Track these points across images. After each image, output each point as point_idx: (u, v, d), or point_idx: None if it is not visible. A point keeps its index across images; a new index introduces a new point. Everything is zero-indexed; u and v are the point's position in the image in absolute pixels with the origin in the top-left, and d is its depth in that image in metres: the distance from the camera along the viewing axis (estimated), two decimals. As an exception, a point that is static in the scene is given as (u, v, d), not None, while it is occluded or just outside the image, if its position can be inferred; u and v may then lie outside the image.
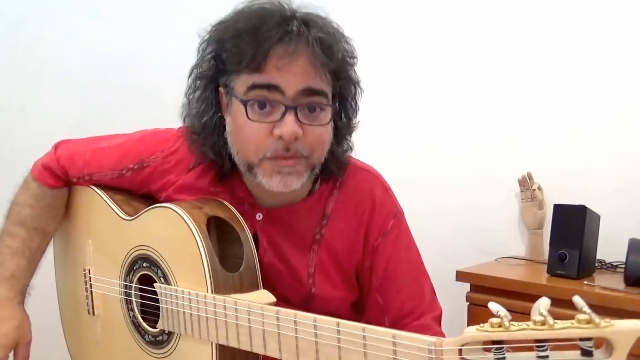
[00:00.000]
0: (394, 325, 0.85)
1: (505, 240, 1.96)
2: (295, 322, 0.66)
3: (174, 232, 0.83)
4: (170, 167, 0.91)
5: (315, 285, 0.87)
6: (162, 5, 2.03)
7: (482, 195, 2.01)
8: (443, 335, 0.68)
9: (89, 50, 1.83)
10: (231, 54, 0.76)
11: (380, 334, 0.59)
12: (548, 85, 1.89)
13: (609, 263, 1.69)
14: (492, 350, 0.53)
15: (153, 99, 1.89)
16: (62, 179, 0.99)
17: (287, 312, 0.68)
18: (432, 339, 0.55)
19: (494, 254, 1.90)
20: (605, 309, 1.32)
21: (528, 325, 0.53)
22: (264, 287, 0.85)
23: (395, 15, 2.20)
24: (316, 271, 0.87)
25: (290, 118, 0.74)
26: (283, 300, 0.84)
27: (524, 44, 1.92)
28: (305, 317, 0.66)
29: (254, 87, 0.75)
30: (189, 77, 0.84)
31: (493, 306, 0.56)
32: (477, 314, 1.65)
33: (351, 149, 0.91)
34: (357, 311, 0.92)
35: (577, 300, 0.54)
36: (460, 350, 0.54)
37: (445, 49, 2.09)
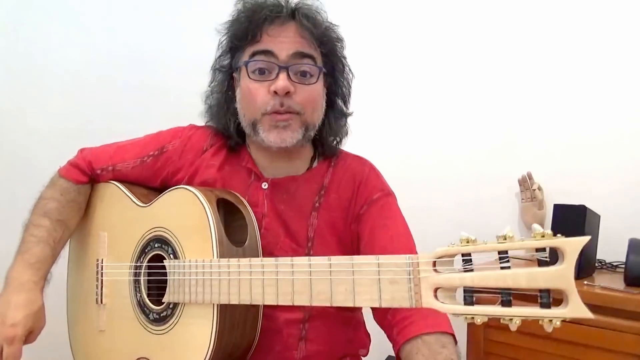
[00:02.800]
0: None
1: (506, 240, 1.94)
2: (292, 265, 0.74)
3: (185, 208, 0.92)
4: (188, 149, 1.05)
5: (313, 248, 0.96)
6: (173, 3, 2.03)
7: (482, 195, 2.00)
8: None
9: (95, 48, 1.81)
10: (235, 32, 0.96)
11: (367, 259, 0.67)
12: (548, 85, 1.90)
13: (609, 263, 1.67)
14: (462, 262, 0.61)
15: (162, 98, 1.90)
16: (87, 174, 1.09)
17: (285, 259, 0.76)
18: (411, 255, 0.63)
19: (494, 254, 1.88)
20: (605, 309, 1.30)
21: (492, 241, 0.62)
22: (263, 253, 0.94)
23: (398, 15, 2.24)
24: (315, 235, 0.97)
25: (282, 76, 0.91)
26: None
27: (525, 43, 1.94)
28: (301, 259, 0.73)
29: (253, 54, 0.94)
30: (211, 69, 1.03)
31: (464, 234, 0.65)
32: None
33: (346, 134, 1.06)
34: None
35: (535, 226, 0.63)
36: (434, 263, 0.62)
37: (447, 47, 2.12)
